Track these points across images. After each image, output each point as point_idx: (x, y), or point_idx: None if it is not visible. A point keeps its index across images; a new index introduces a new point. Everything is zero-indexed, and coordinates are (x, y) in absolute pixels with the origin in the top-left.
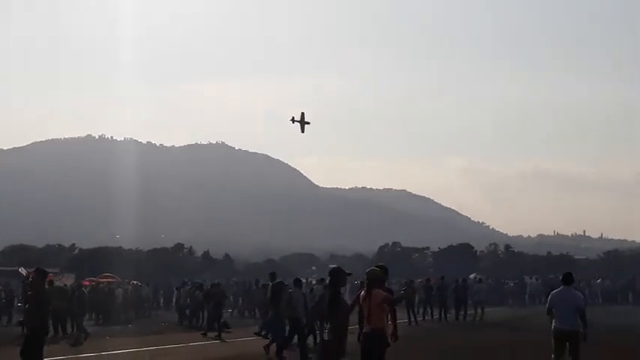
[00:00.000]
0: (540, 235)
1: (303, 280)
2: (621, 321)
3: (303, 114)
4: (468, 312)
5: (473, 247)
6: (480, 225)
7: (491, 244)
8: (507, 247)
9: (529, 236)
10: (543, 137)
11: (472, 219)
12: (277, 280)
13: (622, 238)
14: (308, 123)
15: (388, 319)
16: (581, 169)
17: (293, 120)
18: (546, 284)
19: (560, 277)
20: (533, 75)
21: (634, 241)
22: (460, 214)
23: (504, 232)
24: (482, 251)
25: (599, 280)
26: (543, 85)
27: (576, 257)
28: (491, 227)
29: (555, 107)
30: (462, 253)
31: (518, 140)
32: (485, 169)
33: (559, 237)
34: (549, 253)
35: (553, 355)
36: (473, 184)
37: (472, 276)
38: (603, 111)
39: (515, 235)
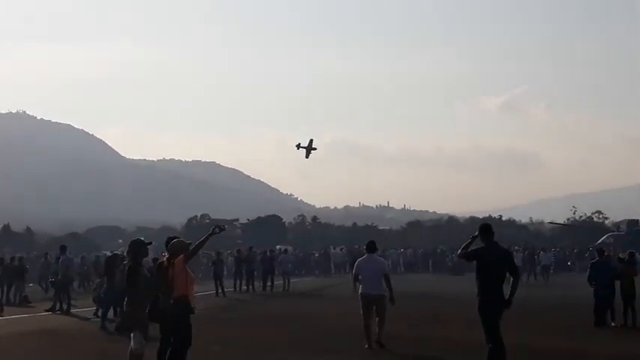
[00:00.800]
0: (346, 207)
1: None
2: (421, 288)
3: (311, 140)
4: (276, 282)
5: (281, 219)
6: (289, 197)
7: (299, 216)
8: (315, 218)
9: (336, 207)
10: (349, 110)
11: (281, 191)
12: (112, 253)
13: (423, 209)
14: (315, 149)
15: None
16: (385, 142)
17: (299, 146)
18: (351, 254)
19: (365, 246)
20: (336, 49)
21: (434, 212)
22: (269, 186)
23: (312, 204)
24: (291, 223)
25: (401, 250)
26: (350, 59)
27: (380, 228)
28: (299, 199)
29: (361, 81)
30: (270, 225)
31: (326, 113)
32: (293, 142)
33: (364, 208)
34: (355, 224)
35: (362, 319)
36: (281, 156)
37: (278, 247)
38: (404, 86)
39: (322, 206)
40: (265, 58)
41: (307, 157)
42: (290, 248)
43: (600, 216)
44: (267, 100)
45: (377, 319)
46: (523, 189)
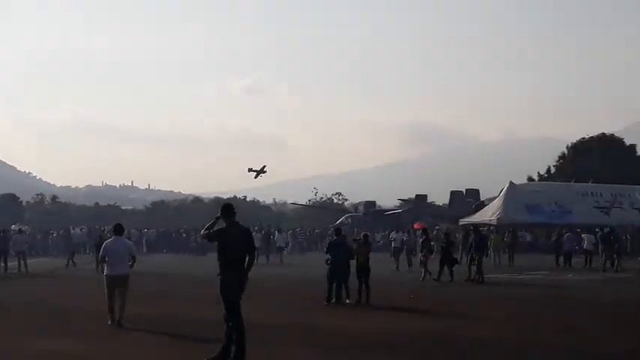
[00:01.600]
0: (88, 186)
1: None
2: (164, 268)
3: (264, 166)
4: (10, 263)
5: (18, 198)
6: (27, 175)
7: (38, 195)
8: (54, 197)
9: (77, 187)
10: (92, 87)
11: (18, 169)
12: None
13: (168, 189)
14: (265, 172)
15: None
16: (130, 121)
17: (250, 170)
18: (92, 234)
19: (112, 228)
20: (73, 25)
21: (180, 192)
22: (5, 164)
23: (52, 183)
24: (29, 202)
25: (144, 230)
26: (92, 35)
27: (124, 207)
28: (38, 177)
29: (107, 58)
30: (5, 204)
31: (63, 89)
32: (32, 118)
33: (107, 187)
34: (97, 203)
35: (107, 299)
36: (19, 133)
37: (14, 226)
38: (151, 64)
39: (63, 185)
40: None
41: (256, 177)
42: (27, 228)
43: (340, 197)
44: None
45: (120, 299)
46: (268, 170)
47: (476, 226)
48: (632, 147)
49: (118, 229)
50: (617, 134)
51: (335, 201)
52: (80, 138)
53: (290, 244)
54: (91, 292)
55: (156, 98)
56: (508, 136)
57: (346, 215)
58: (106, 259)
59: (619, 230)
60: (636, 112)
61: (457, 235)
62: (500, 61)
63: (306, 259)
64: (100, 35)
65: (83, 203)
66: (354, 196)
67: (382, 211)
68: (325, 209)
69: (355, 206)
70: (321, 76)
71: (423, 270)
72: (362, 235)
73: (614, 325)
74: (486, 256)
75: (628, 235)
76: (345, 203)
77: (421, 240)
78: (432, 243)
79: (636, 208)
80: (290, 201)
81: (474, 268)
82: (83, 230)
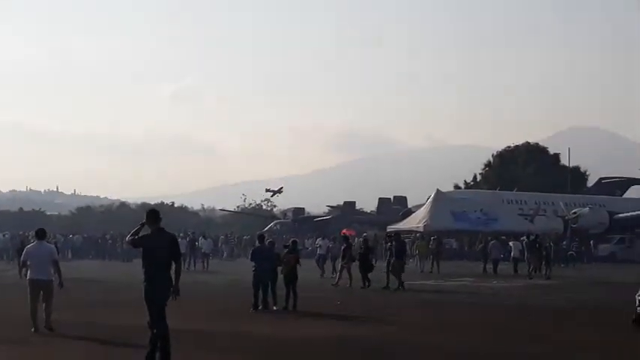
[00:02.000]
0: (13, 191)
1: None
2: (90, 275)
3: (281, 187)
4: None
5: None
6: None
7: None
8: None
9: (0, 191)
10: (21, 91)
11: None
12: None
13: (95, 194)
14: (282, 192)
15: None
16: (57, 125)
17: (267, 190)
18: (15, 240)
19: (34, 233)
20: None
21: (106, 198)
22: None
23: None
24: None
25: (70, 236)
26: (22, 42)
27: (49, 213)
28: None
29: (38, 64)
30: None
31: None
32: None
33: (32, 192)
34: (21, 208)
35: (30, 304)
36: None
37: None
38: (80, 71)
39: None
40: None
41: (272, 196)
42: None
43: (269, 204)
44: None
45: (44, 304)
46: (196, 176)
47: (397, 233)
48: (557, 156)
49: (40, 234)
50: (542, 143)
51: (264, 207)
52: (4, 142)
53: (224, 251)
54: (16, 298)
55: (82, 102)
56: (435, 143)
57: (275, 222)
58: (28, 263)
59: (542, 237)
60: (561, 122)
61: (383, 243)
62: (427, 68)
63: (233, 265)
64: (27, 39)
65: (7, 208)
66: (283, 202)
67: (311, 218)
68: (254, 215)
69: (284, 213)
70: (250, 81)
71: (342, 276)
72: (290, 241)
73: (538, 328)
74: (406, 264)
75: (551, 243)
76: (274, 209)
77: (343, 247)
78: (359, 251)
79: (559, 216)
80: (219, 207)
81: (392, 275)
82: (6, 236)
